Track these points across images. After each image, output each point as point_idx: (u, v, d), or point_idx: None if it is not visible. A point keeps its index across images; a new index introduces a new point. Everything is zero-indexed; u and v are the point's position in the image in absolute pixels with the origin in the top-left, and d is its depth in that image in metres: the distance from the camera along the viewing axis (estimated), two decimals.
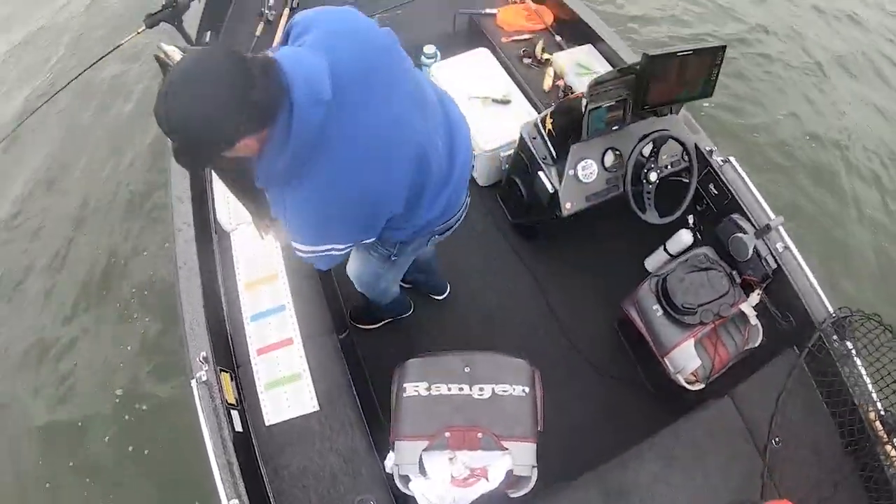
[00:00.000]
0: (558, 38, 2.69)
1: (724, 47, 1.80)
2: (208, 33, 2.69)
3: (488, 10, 2.83)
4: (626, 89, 1.85)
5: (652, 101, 1.84)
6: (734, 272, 1.94)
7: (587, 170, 1.92)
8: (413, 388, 1.52)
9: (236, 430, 1.61)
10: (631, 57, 2.44)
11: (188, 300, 1.75)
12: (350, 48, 1.06)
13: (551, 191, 1.95)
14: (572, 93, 2.46)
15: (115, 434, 2.50)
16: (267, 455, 1.67)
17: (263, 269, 1.94)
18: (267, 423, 1.71)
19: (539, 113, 2.44)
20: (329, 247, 1.19)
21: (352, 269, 1.81)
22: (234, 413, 1.67)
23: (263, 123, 0.95)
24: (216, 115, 0.89)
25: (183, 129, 0.90)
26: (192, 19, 2.60)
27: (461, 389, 1.54)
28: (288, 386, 1.77)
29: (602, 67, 2.50)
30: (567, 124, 1.90)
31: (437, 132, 1.27)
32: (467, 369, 1.55)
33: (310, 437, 1.68)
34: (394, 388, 1.57)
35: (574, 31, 2.68)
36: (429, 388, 1.52)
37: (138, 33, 2.15)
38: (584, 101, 1.78)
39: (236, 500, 1.43)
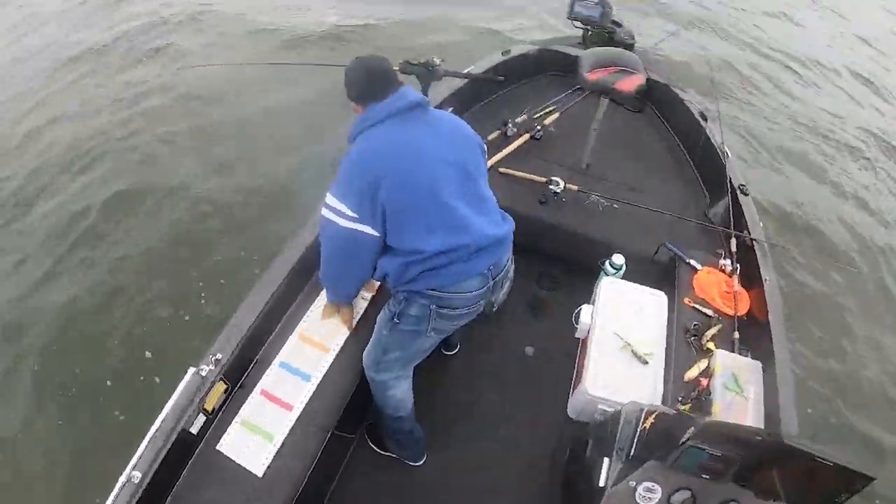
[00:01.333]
0: (736, 335, 2.42)
1: (870, 479, 1.41)
2: (451, 108, 2.95)
3: (692, 262, 2.67)
4: (741, 451, 1.58)
5: (754, 487, 1.55)
6: None
7: (649, 493, 1.66)
8: None
9: (190, 430, 1.69)
10: (791, 411, 2.11)
11: (248, 307, 1.88)
12: (441, 114, 1.77)
13: (601, 484, 1.73)
14: (707, 398, 2.19)
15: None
16: (197, 466, 1.71)
17: (324, 335, 2.02)
18: (218, 447, 1.75)
19: (662, 400, 2.22)
20: (338, 205, 1.59)
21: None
22: (201, 418, 1.75)
23: (364, 102, 1.65)
24: (350, 81, 1.67)
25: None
26: (443, 89, 2.93)
27: None
28: (258, 437, 1.79)
29: (754, 395, 2.19)
30: (662, 435, 1.68)
31: (478, 209, 1.69)
32: None
33: (236, 488, 1.69)
34: None
35: (757, 337, 2.40)
36: None
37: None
38: (687, 433, 1.56)
39: (139, 473, 1.50)
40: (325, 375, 1.91)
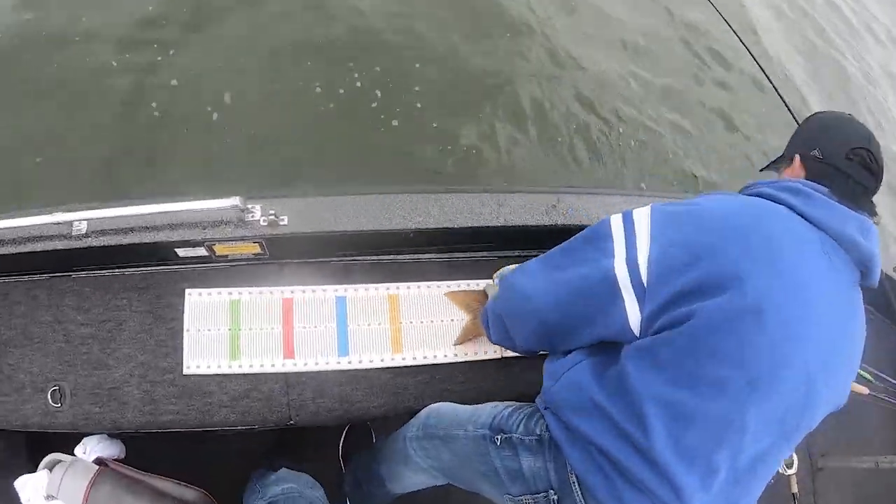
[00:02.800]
0: None
1: None
2: None
3: None
4: None
5: None
6: None
7: None
8: None
9: (176, 249, 1.14)
10: None
11: (374, 203, 1.21)
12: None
13: None
14: None
15: None
16: (146, 280, 1.18)
17: (421, 328, 1.23)
18: (186, 289, 1.17)
19: None
20: (637, 228, 0.86)
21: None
22: (199, 251, 1.15)
23: (811, 169, 0.96)
24: (820, 129, 1.01)
25: None
26: None
27: None
28: (226, 337, 1.15)
29: None
30: None
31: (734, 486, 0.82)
32: None
33: (151, 346, 1.14)
34: None
35: None
36: None
37: None
38: None
39: (82, 226, 1.09)
40: (364, 372, 1.18)
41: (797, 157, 0.98)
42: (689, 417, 0.78)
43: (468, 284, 1.26)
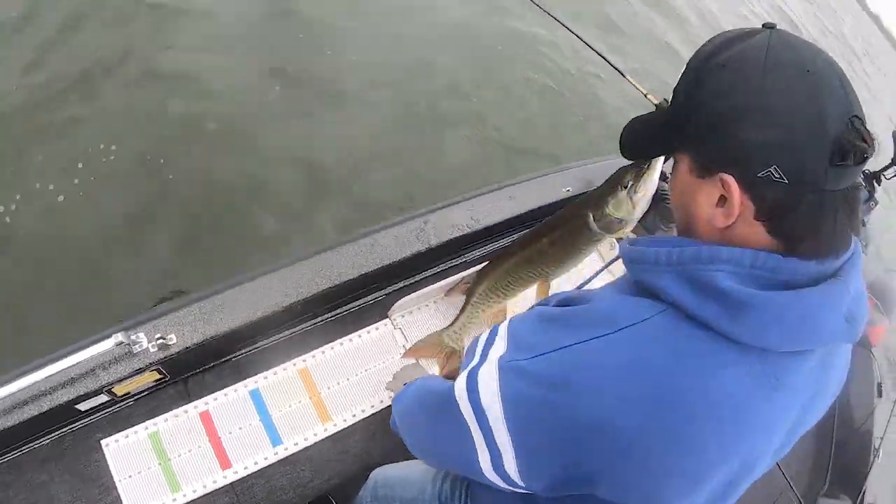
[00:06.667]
0: None
1: None
2: None
3: None
4: None
5: None
6: None
7: None
8: None
9: (77, 406, 1.10)
10: None
11: (244, 290, 1.20)
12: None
13: None
14: None
15: None
16: (59, 446, 1.13)
17: (338, 394, 1.26)
18: (103, 441, 1.13)
19: None
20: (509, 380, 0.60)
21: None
22: (101, 400, 1.13)
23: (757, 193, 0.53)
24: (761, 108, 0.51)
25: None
26: None
27: None
28: (158, 472, 1.14)
29: None
30: None
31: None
32: None
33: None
34: None
35: None
36: None
37: None
38: None
39: None
40: (303, 452, 1.20)
41: (730, 181, 0.53)
42: None
43: (377, 329, 1.27)
